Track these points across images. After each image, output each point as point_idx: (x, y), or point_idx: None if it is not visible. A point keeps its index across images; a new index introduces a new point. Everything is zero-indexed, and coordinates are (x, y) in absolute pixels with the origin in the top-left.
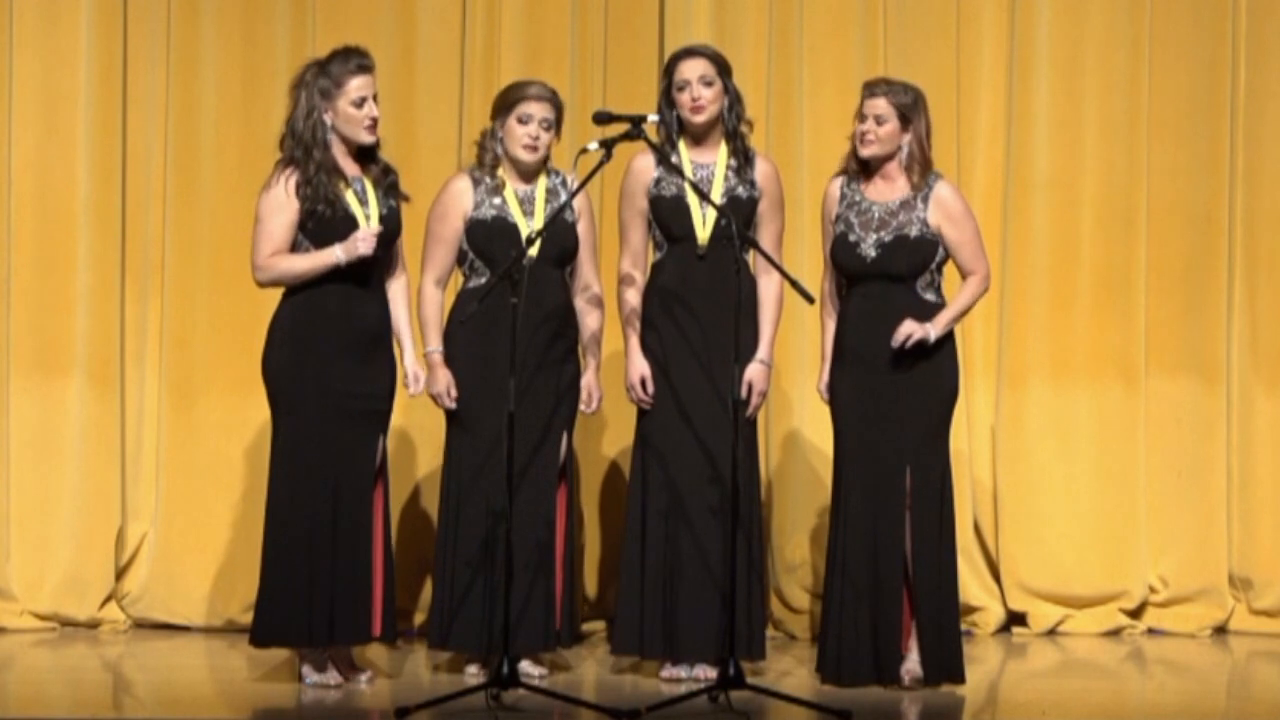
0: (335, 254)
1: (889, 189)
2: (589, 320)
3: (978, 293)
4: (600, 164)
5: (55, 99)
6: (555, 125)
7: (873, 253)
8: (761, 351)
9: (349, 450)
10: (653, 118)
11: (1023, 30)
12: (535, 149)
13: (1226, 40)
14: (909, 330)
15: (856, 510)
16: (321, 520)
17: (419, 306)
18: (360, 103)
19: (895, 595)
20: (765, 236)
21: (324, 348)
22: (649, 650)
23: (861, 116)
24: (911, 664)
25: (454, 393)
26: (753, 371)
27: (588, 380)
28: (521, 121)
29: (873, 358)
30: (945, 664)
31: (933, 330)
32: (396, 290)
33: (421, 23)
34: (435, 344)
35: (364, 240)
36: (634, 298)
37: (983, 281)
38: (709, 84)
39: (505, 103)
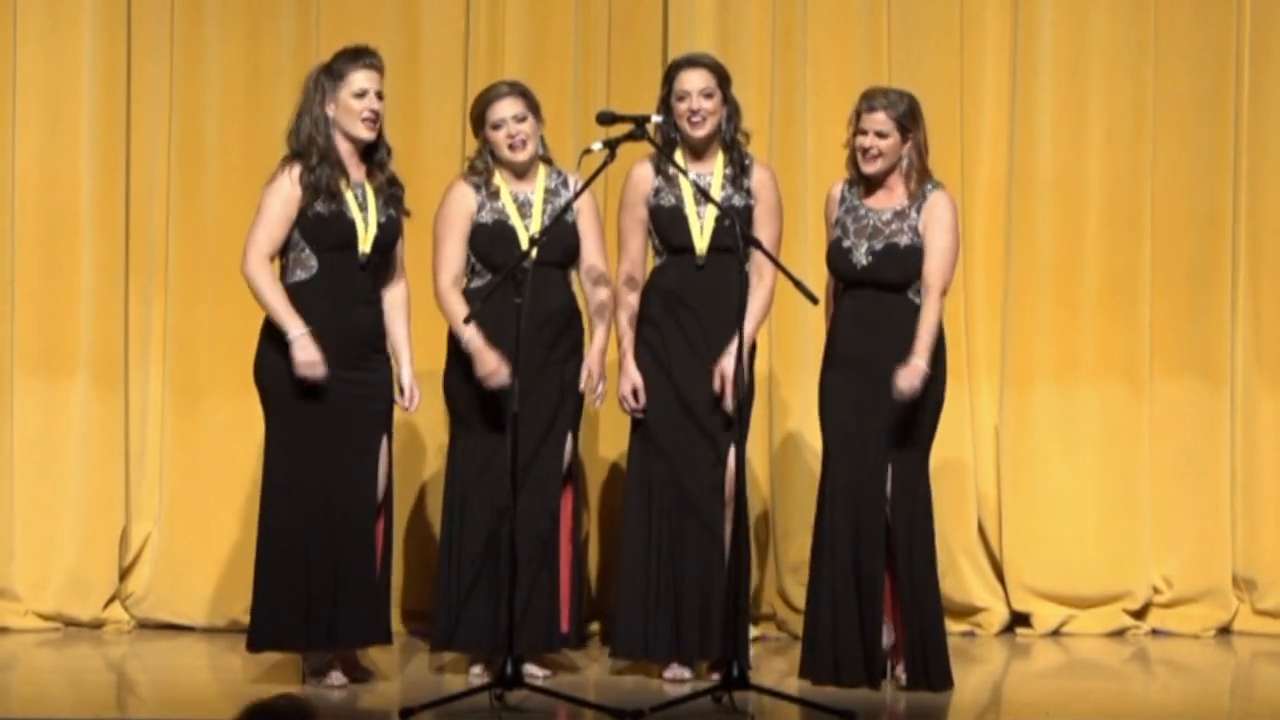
0: (292, 335)
1: (887, 197)
2: (598, 294)
3: (940, 308)
4: (604, 164)
5: (59, 98)
6: (532, 113)
7: (864, 260)
8: (732, 346)
9: (350, 453)
10: (656, 118)
11: (1026, 31)
12: (521, 145)
13: (1231, 41)
14: (909, 387)
15: (839, 512)
16: (318, 523)
17: (441, 305)
18: (361, 94)
19: (876, 598)
20: (760, 239)
21: (325, 352)
22: (653, 653)
23: (861, 131)
24: (899, 669)
25: (505, 373)
26: (725, 364)
27: (590, 360)
28: (496, 127)
29: (861, 362)
30: (927, 668)
31: (921, 362)
32: (395, 299)
33: (425, 23)
34: (472, 330)
35: (308, 367)
36: (629, 307)
37: (938, 300)
38: (709, 96)
39: (476, 116)
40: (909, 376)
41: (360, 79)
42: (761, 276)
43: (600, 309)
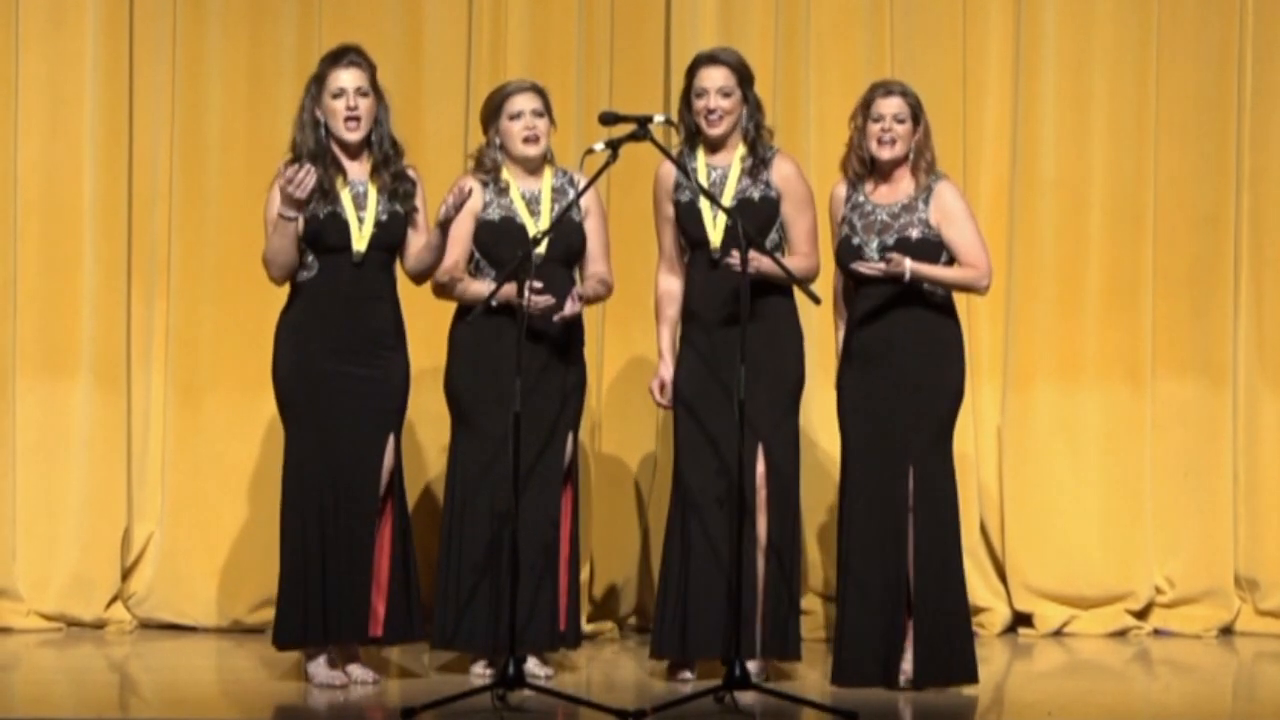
0: (276, 209)
1: (892, 192)
2: (593, 283)
3: (970, 277)
4: (606, 164)
5: (61, 100)
6: (547, 113)
7: (876, 256)
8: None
9: (354, 451)
10: (659, 118)
11: (1029, 31)
12: (536, 139)
13: (1234, 41)
14: (874, 268)
15: (861, 513)
16: (325, 521)
17: (449, 292)
18: (339, 94)
19: (898, 597)
20: (796, 235)
21: (326, 350)
22: (691, 651)
23: (877, 117)
24: (906, 665)
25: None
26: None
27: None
28: (513, 118)
29: (878, 359)
30: (949, 665)
31: (908, 264)
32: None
33: (428, 24)
34: (486, 284)
35: (291, 182)
36: (669, 305)
37: (981, 274)
38: (727, 95)
39: (492, 108)
40: (895, 263)
41: (337, 79)
42: (806, 255)
43: (596, 280)
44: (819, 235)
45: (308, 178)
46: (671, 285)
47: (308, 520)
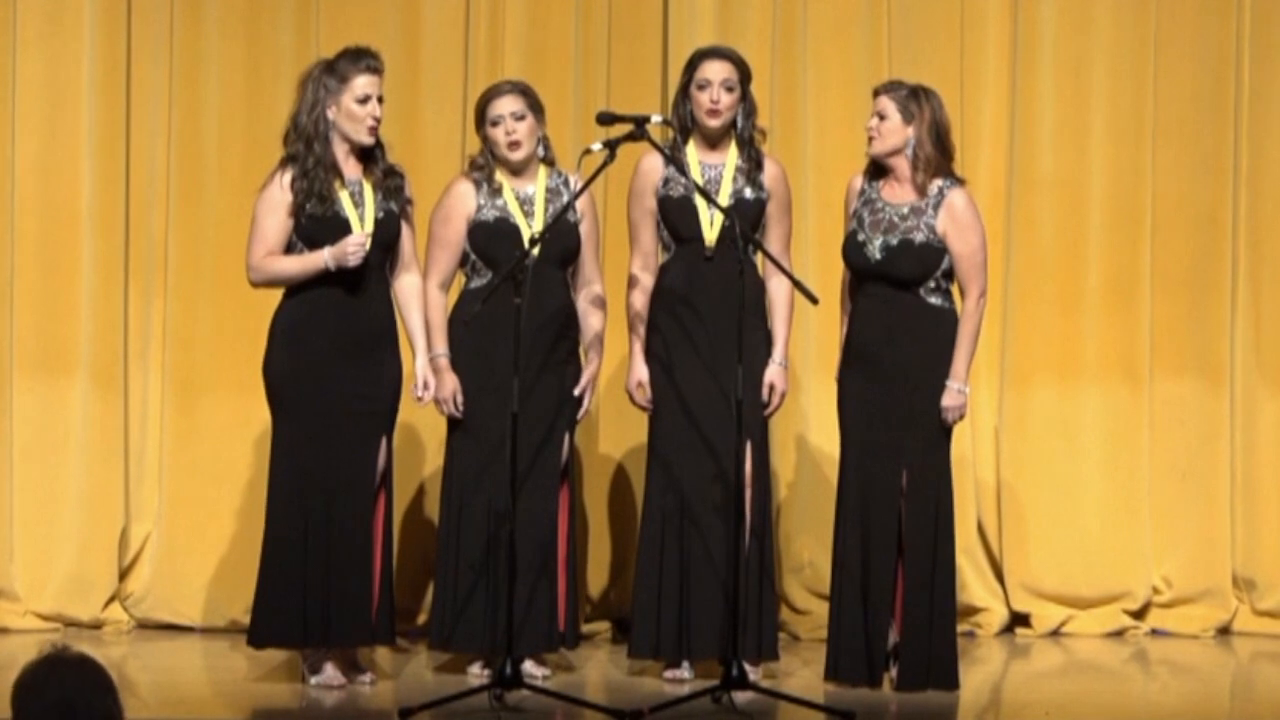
0: (324, 258)
1: (902, 191)
2: (591, 321)
3: (978, 319)
4: (604, 165)
5: (59, 99)
6: (532, 112)
7: (878, 255)
8: (777, 354)
9: (348, 452)
10: (656, 118)
11: (1027, 31)
12: (517, 144)
13: (1231, 41)
14: (955, 412)
15: (856, 510)
16: (317, 523)
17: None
18: (364, 100)
19: (887, 598)
20: (774, 238)
21: (322, 349)
22: (664, 652)
23: (870, 118)
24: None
25: (460, 399)
26: (772, 374)
27: (583, 382)
28: (494, 124)
29: (877, 359)
30: (932, 669)
31: (963, 385)
32: (407, 289)
33: (425, 24)
34: (441, 348)
35: (353, 252)
36: (640, 301)
37: (978, 303)
38: (730, 89)
39: (477, 113)
40: (957, 410)
41: (362, 83)
42: (779, 277)
43: (596, 338)
44: (791, 243)
45: (366, 242)
46: (646, 282)
47: (295, 520)
